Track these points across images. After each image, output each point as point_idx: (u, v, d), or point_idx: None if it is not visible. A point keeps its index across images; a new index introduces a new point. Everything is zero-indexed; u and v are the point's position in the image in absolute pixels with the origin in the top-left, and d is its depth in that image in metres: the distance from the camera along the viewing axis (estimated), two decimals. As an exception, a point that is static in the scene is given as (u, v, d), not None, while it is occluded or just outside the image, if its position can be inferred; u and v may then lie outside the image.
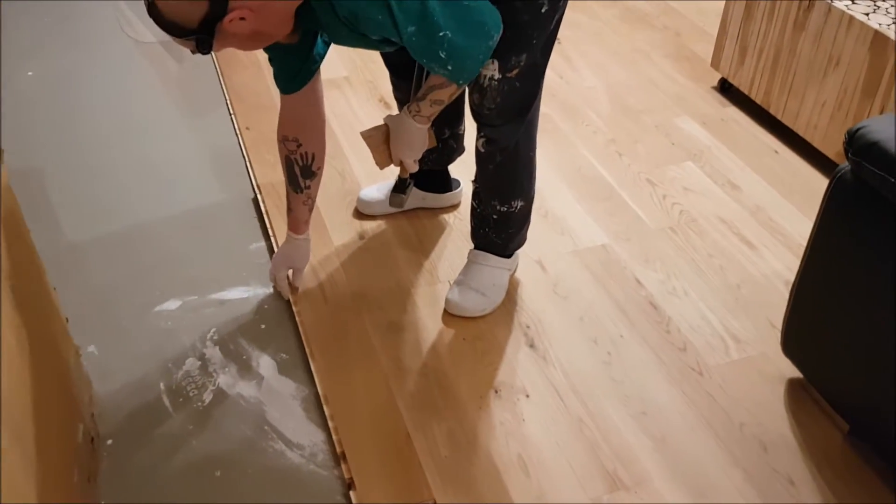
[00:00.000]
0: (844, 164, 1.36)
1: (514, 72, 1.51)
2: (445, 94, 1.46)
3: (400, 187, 1.82)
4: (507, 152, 1.64)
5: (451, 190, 2.08)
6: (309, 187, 1.73)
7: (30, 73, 2.65)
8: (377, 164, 1.62)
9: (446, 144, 1.93)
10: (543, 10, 1.45)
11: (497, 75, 1.51)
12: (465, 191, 2.10)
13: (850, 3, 2.10)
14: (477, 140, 1.66)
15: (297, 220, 1.77)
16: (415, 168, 1.62)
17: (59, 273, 1.75)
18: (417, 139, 1.56)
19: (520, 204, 1.74)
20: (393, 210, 2.06)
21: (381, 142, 1.60)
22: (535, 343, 1.73)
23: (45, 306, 1.37)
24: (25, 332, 1.19)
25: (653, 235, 2.03)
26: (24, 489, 1.01)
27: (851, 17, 2.05)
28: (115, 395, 1.62)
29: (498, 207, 1.74)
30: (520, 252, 1.89)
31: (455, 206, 2.10)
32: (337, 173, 2.21)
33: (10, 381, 1.04)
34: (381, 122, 1.60)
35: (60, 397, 1.30)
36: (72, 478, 1.26)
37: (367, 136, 1.60)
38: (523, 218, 1.79)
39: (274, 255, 1.86)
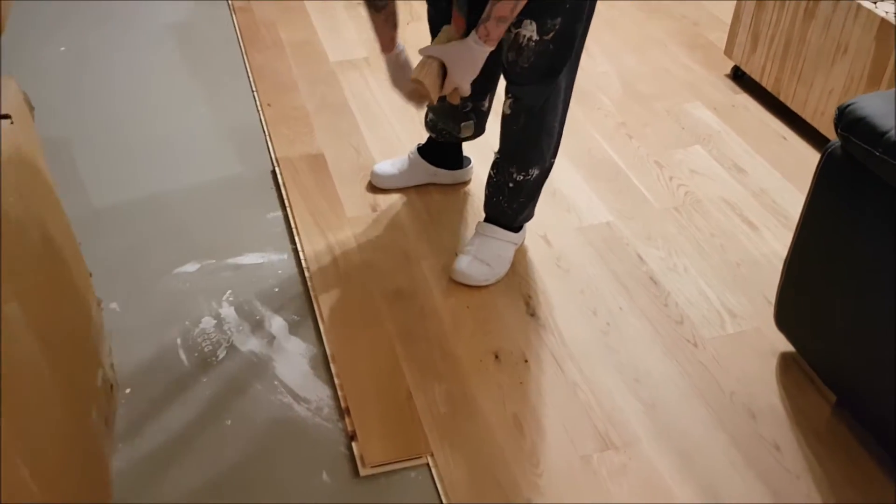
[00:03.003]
0: (835, 141, 1.41)
1: (550, 34, 1.59)
2: (507, 9, 1.49)
3: (460, 116, 1.86)
4: (531, 114, 1.71)
5: (462, 167, 2.14)
6: (386, 6, 1.76)
7: (62, 49, 2.75)
8: (430, 100, 1.65)
9: (466, 117, 1.99)
10: None
11: (535, 36, 1.59)
12: (476, 169, 2.16)
13: (860, -9, 2.13)
14: (504, 102, 1.74)
15: (384, 38, 1.80)
16: (469, 92, 1.65)
17: (84, 235, 1.84)
18: (481, 64, 1.59)
19: (535, 172, 1.80)
20: (404, 185, 2.13)
21: (437, 76, 1.62)
22: (535, 312, 1.80)
23: (70, 255, 1.45)
24: (52, 269, 1.28)
25: (657, 215, 2.08)
26: (47, 408, 1.09)
27: (859, 6, 2.08)
28: (135, 349, 1.71)
29: (514, 175, 1.81)
30: (527, 228, 1.96)
31: (465, 183, 2.16)
32: (353, 149, 2.28)
33: (40, 311, 1.13)
34: (424, 59, 1.61)
35: (82, 340, 1.39)
36: (90, 415, 1.34)
37: (422, 76, 1.60)
38: (536, 187, 1.86)
39: (390, 79, 1.86)
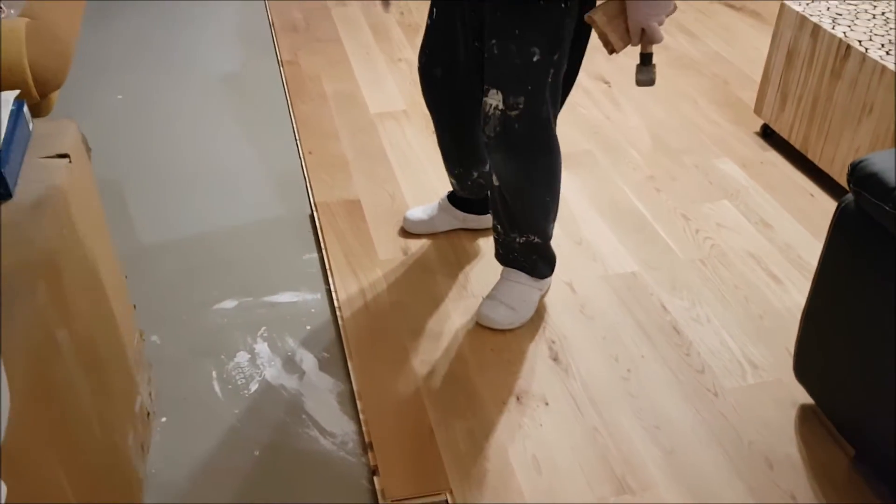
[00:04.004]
0: (849, 195, 1.45)
1: (515, 112, 1.63)
2: None
3: (647, 60, 1.57)
4: (512, 189, 1.75)
5: (489, 213, 2.21)
6: None
7: (119, 97, 2.92)
8: (612, 47, 1.45)
9: (476, 183, 2.07)
10: (535, 59, 1.58)
11: (501, 106, 1.64)
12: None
13: (885, 53, 2.18)
14: (491, 176, 1.79)
15: None
16: (661, 37, 1.43)
17: (130, 269, 1.95)
18: None
19: (536, 240, 1.86)
20: (434, 230, 2.20)
21: (614, 17, 1.43)
22: (558, 357, 1.84)
23: (116, 288, 1.55)
24: (99, 301, 1.37)
25: (682, 266, 2.12)
26: (86, 427, 1.17)
27: (884, 67, 2.13)
28: (172, 380, 1.79)
29: (517, 239, 1.86)
30: (552, 278, 2.01)
31: (494, 230, 2.23)
32: (388, 195, 2.37)
33: (85, 338, 1.22)
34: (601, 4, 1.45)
35: (123, 368, 1.47)
36: (127, 439, 1.42)
37: (596, 16, 1.44)
38: (545, 249, 1.91)
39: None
